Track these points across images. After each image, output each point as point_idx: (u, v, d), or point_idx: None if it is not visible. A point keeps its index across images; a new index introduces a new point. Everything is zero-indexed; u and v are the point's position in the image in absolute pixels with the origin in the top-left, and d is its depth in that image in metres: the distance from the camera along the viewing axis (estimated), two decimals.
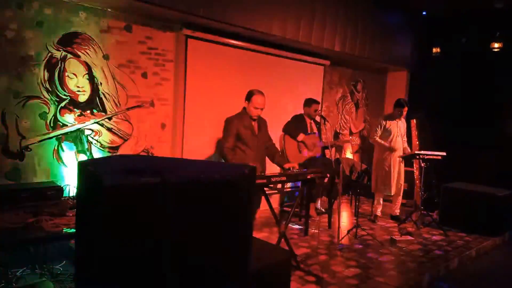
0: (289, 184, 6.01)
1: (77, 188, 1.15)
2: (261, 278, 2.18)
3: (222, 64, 5.24)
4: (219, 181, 1.00)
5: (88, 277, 1.06)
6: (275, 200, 6.03)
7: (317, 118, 5.45)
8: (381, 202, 5.76)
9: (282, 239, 3.66)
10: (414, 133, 6.35)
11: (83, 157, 4.21)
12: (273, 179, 3.41)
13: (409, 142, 5.95)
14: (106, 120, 4.35)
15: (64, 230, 2.70)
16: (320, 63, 6.66)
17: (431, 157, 5.25)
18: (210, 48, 5.07)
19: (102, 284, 0.98)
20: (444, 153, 5.27)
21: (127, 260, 0.94)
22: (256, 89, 4.12)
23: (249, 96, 3.96)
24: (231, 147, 3.85)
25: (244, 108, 4.07)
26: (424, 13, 7.09)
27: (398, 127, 5.61)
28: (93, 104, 4.23)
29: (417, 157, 5.31)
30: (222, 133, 4.05)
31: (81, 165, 1.08)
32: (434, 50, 7.46)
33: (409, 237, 4.92)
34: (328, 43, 5.92)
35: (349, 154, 7.61)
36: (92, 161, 1.24)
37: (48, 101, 3.93)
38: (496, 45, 7.43)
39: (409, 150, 5.70)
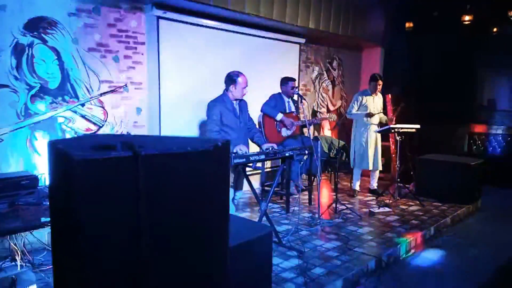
0: (269, 164, 6.06)
1: (48, 169, 1.13)
2: (243, 252, 2.22)
3: (196, 45, 5.17)
4: (192, 152, 1.00)
5: (63, 258, 1.06)
6: (256, 180, 6.08)
7: (295, 97, 5.47)
8: (359, 177, 5.89)
9: (264, 217, 3.71)
10: (390, 108, 6.45)
11: None
12: (252, 158, 3.43)
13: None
14: (79, 106, 4.26)
15: (41, 219, 2.66)
16: (295, 41, 6.65)
17: (406, 130, 5.37)
18: (183, 29, 4.98)
19: (78, 264, 0.98)
20: (419, 126, 5.40)
21: (102, 238, 0.94)
22: (235, 70, 4.10)
23: (233, 80, 3.96)
24: (218, 130, 3.87)
25: (225, 91, 4.06)
26: None
27: (375, 102, 5.70)
28: (65, 90, 4.12)
29: (392, 130, 5.42)
30: (206, 116, 4.02)
31: (51, 145, 1.06)
32: (407, 25, 7.53)
33: (387, 209, 5.06)
34: (302, 20, 5.90)
35: (327, 132, 7.70)
36: (62, 140, 1.22)
37: (17, 89, 3.80)
38: (467, 17, 7.57)
39: (386, 118, 5.79)
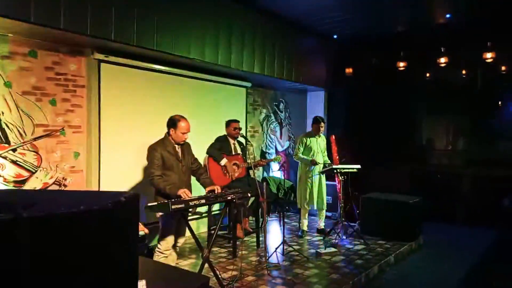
0: (216, 207, 5.96)
1: None
2: None
3: (140, 88, 5.13)
4: (85, 212, 0.94)
5: None
6: (204, 223, 5.94)
7: (241, 139, 5.51)
8: (307, 217, 5.93)
9: (206, 264, 3.59)
10: (334, 148, 6.67)
11: None
12: (191, 203, 3.35)
13: (330, 157, 6.23)
14: (10, 152, 4.02)
15: None
16: (242, 85, 6.80)
17: (348, 170, 5.54)
18: (126, 73, 4.94)
19: None
20: (359, 166, 5.59)
21: None
22: (178, 114, 4.07)
23: (173, 123, 3.89)
24: (159, 175, 3.75)
25: (167, 134, 3.99)
26: (335, 36, 7.58)
27: (318, 143, 5.87)
28: None
29: (335, 171, 5.57)
30: (146, 161, 3.92)
31: None
32: (347, 70, 7.98)
33: (333, 249, 5.09)
34: (247, 66, 6.08)
35: (276, 173, 7.77)
36: None
37: None
38: (401, 64, 8.17)
39: (329, 162, 5.96)
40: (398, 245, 5.46)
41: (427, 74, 8.43)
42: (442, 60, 7.83)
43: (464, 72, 7.94)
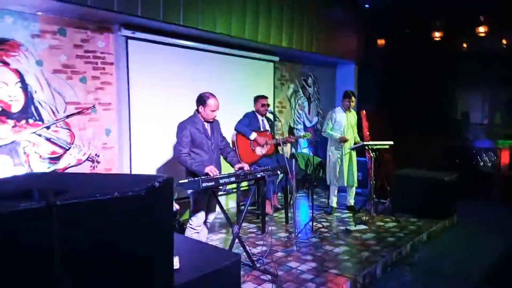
0: (245, 183, 5.96)
1: None
2: (207, 284, 2.11)
3: (167, 64, 5.09)
4: (118, 198, 0.90)
5: None
6: (233, 199, 5.98)
7: (269, 115, 5.42)
8: (336, 193, 5.85)
9: (237, 240, 3.62)
10: (365, 123, 6.48)
11: (21, 171, 3.95)
12: (221, 181, 3.34)
13: (360, 132, 6.07)
14: (44, 129, 4.11)
15: None
16: (269, 59, 6.65)
17: (379, 146, 5.38)
18: (153, 49, 4.91)
19: None
20: (391, 142, 5.41)
21: None
22: (207, 91, 4.01)
23: (203, 100, 3.84)
24: (187, 153, 3.75)
25: (196, 112, 3.96)
26: (366, 6, 7.25)
27: (348, 118, 5.70)
28: (28, 113, 3.98)
29: (366, 147, 5.42)
30: (175, 138, 3.92)
31: None
32: (379, 42, 7.65)
33: (363, 226, 5.02)
34: (275, 39, 5.92)
35: (304, 149, 7.68)
36: None
37: None
38: (437, 34, 7.75)
39: (359, 139, 5.81)
40: (431, 223, 5.32)
41: (464, 45, 8.00)
42: (481, 29, 7.38)
43: (504, 42, 7.48)
